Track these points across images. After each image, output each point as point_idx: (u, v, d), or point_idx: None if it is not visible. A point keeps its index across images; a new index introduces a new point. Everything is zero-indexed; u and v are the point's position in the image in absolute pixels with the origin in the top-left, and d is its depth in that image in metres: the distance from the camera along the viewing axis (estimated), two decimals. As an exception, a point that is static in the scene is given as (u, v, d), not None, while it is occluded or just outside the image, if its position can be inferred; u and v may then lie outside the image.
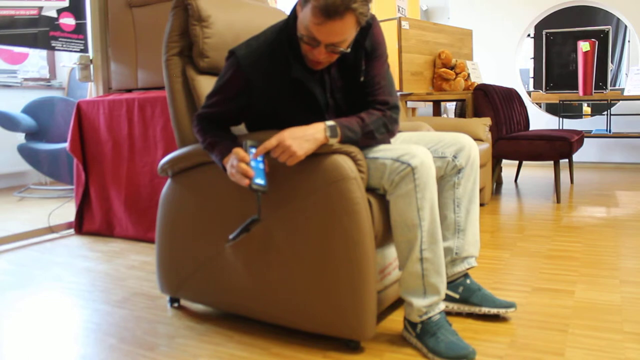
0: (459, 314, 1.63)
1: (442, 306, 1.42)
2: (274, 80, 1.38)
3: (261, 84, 1.38)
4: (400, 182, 1.34)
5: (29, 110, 4.28)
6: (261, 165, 1.36)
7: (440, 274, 1.39)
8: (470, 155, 1.54)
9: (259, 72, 1.38)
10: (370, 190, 1.42)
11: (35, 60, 5.11)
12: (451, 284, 1.62)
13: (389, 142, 1.49)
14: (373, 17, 1.42)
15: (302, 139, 1.32)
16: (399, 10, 5.78)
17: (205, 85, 1.65)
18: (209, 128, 1.48)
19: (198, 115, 1.51)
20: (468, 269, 1.59)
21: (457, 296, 1.61)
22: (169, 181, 1.70)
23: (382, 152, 1.40)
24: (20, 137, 4.33)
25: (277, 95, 1.40)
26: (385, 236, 1.44)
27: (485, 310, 1.59)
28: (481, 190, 3.32)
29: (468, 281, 1.61)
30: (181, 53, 1.65)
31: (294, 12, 1.37)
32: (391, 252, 1.61)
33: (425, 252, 1.36)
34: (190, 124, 1.66)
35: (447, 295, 1.62)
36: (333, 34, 1.25)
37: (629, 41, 6.32)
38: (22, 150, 4.11)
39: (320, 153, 1.37)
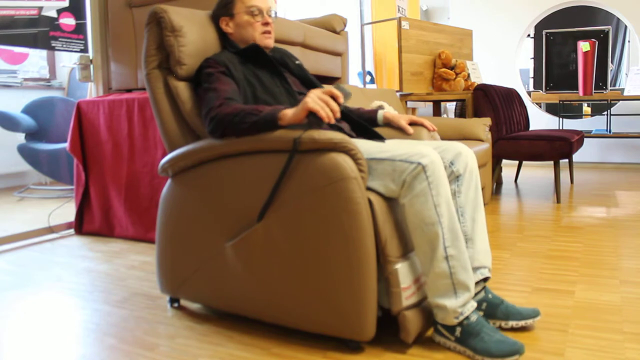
0: None
1: (475, 304, 1.38)
2: (239, 63, 1.68)
3: (231, 65, 1.64)
4: (413, 181, 1.33)
5: (29, 110, 4.28)
6: None
7: (467, 269, 1.35)
8: (468, 163, 1.52)
9: (226, 59, 1.65)
10: (373, 191, 1.42)
11: (35, 60, 5.10)
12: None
13: None
14: None
15: None
16: (399, 10, 5.78)
17: (188, 90, 1.69)
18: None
19: (219, 106, 1.49)
20: (482, 279, 1.51)
21: (481, 313, 1.53)
22: (169, 181, 1.71)
23: (390, 152, 1.39)
24: (20, 137, 4.32)
25: (246, 72, 1.66)
26: (393, 241, 1.38)
27: (512, 323, 1.50)
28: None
29: (490, 296, 1.54)
30: (160, 66, 1.70)
31: (221, 33, 1.77)
32: None
33: (449, 249, 1.33)
34: (178, 130, 1.70)
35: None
36: (265, 0, 1.73)
37: (629, 41, 6.31)
38: (22, 150, 4.11)
39: (321, 149, 1.37)
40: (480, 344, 1.32)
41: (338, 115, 1.39)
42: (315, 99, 1.37)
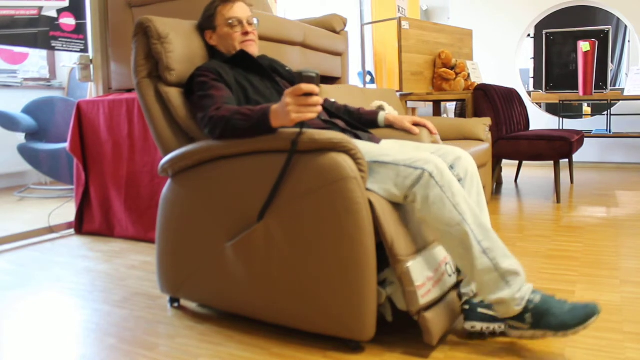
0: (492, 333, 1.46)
1: (531, 285, 1.34)
2: (229, 69, 1.69)
3: (222, 70, 1.65)
4: (425, 190, 1.33)
5: (29, 110, 4.28)
6: None
7: (507, 256, 1.32)
8: (468, 168, 1.53)
9: (217, 66, 1.67)
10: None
11: (35, 60, 5.10)
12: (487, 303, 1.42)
13: None
14: None
15: None
16: (399, 10, 5.78)
17: (179, 95, 1.71)
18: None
19: (216, 109, 1.50)
20: None
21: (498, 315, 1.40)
22: (169, 181, 1.71)
23: (392, 156, 1.39)
24: (20, 137, 4.32)
25: (237, 76, 1.69)
26: (400, 239, 1.36)
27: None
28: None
29: None
30: (150, 75, 1.73)
31: (208, 45, 1.80)
32: (438, 252, 1.48)
33: (483, 242, 1.31)
34: (172, 135, 1.72)
35: (486, 315, 1.42)
36: (243, 9, 1.76)
37: (629, 41, 6.31)
38: (22, 150, 4.11)
39: (321, 149, 1.37)
40: (554, 320, 1.28)
41: (320, 102, 1.36)
42: (295, 109, 1.32)
